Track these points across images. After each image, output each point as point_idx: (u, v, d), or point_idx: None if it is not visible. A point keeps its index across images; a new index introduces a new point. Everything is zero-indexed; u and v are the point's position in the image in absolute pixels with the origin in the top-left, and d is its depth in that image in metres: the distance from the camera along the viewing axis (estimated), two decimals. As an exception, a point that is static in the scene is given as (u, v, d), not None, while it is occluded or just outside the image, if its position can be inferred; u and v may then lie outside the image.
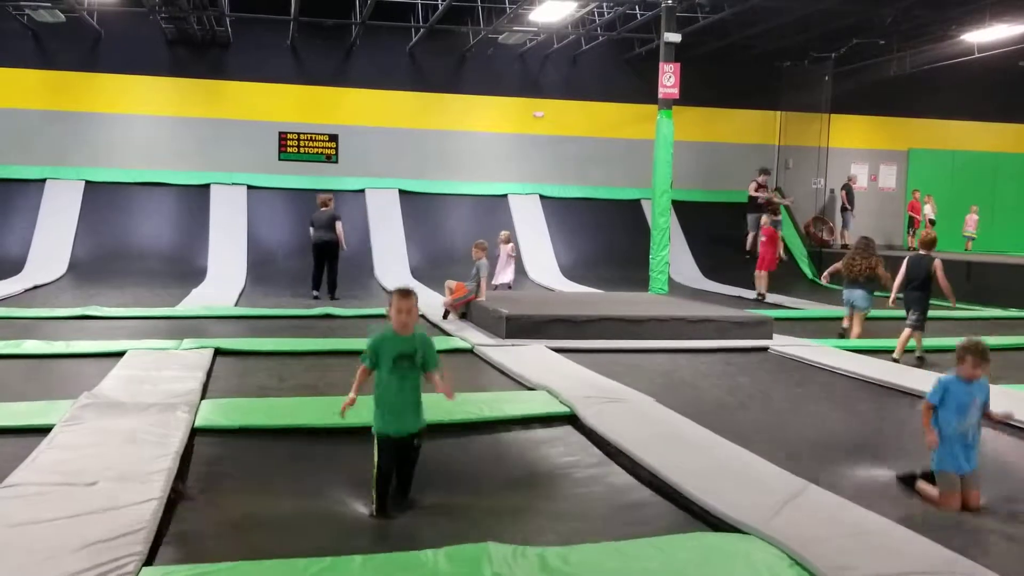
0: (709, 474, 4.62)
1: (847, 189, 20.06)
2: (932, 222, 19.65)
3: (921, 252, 8.97)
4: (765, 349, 9.38)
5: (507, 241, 13.89)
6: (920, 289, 8.80)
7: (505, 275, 13.77)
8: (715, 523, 4.04)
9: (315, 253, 13.26)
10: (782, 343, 9.57)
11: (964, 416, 4.61)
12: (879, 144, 21.76)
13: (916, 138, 21.82)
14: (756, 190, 17.68)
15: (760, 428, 6.06)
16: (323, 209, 13.17)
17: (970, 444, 4.62)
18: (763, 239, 14.83)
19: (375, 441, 4.27)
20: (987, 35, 16.88)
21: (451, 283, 11.23)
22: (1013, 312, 13.50)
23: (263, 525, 4.00)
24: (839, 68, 19.93)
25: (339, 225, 12.93)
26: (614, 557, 3.50)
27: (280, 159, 18.41)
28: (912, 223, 20.18)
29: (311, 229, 13.31)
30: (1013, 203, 20.94)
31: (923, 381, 7.44)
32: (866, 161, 21.70)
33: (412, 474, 4.34)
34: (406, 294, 4.39)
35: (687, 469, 4.68)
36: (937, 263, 8.79)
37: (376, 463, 4.21)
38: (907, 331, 8.85)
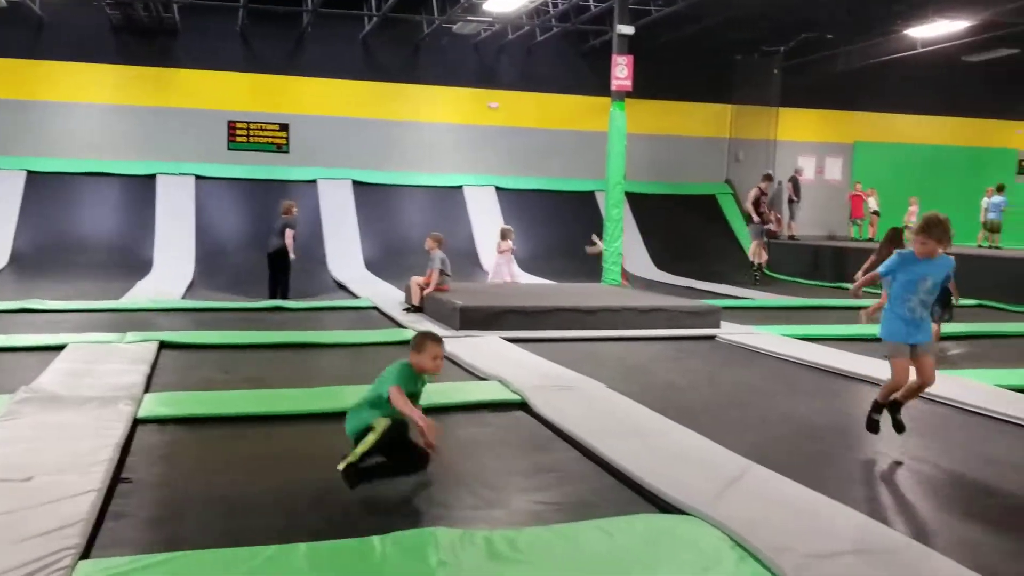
0: (657, 457, 4.68)
1: (794, 181, 20.36)
2: (876, 214, 20.01)
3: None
4: (713, 337, 9.51)
5: (504, 237, 13.81)
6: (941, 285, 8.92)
7: (503, 273, 13.70)
8: (662, 505, 4.09)
9: (268, 261, 12.93)
10: (729, 331, 9.71)
11: (911, 291, 4.85)
12: (826, 137, 22.12)
13: (861, 131, 22.22)
14: (757, 198, 16.62)
15: (707, 411, 6.14)
16: (282, 216, 12.91)
17: (916, 320, 4.85)
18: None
19: (379, 431, 4.25)
20: (930, 30, 17.22)
21: (417, 279, 11.04)
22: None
23: (206, 515, 3.95)
24: (788, 62, 20.20)
25: (288, 233, 12.59)
26: (561, 540, 3.52)
27: (229, 149, 18.14)
28: (853, 214, 20.53)
29: (293, 240, 12.97)
30: (955, 195, 21.40)
31: (863, 365, 7.61)
32: (813, 154, 22.04)
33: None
34: (440, 340, 4.47)
35: (635, 453, 4.73)
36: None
37: (377, 440, 4.20)
38: (937, 324, 8.96)
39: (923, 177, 21.70)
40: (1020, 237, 19.52)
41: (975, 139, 22.77)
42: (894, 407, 5.16)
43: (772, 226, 16.04)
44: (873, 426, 5.25)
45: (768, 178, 17.16)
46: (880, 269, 5.03)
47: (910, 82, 21.01)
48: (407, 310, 10.95)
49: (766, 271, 15.91)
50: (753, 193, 16.29)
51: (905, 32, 17.78)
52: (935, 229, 4.80)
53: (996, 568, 3.45)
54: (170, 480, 4.42)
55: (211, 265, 15.75)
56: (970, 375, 7.39)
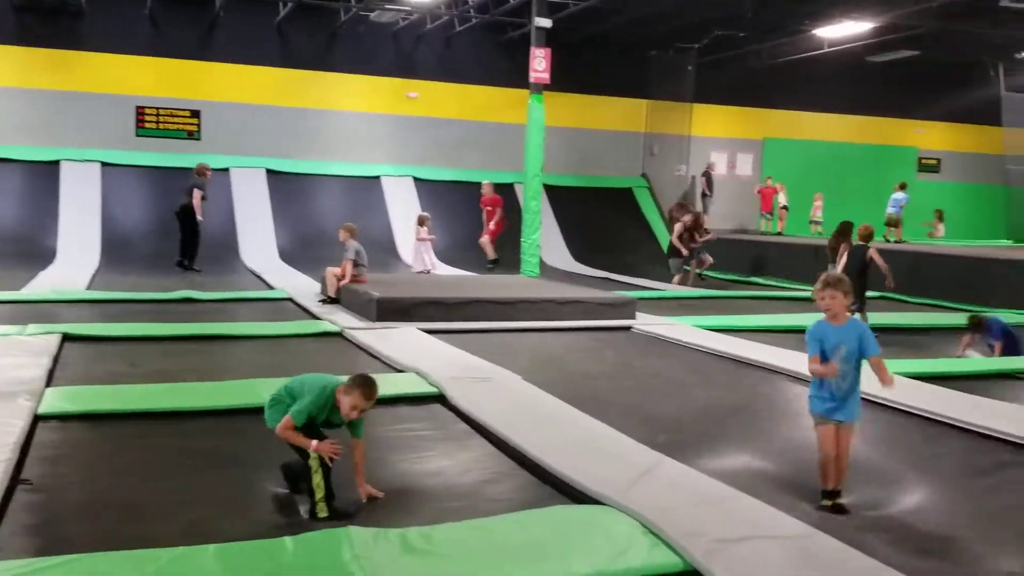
0: (571, 448, 4.73)
1: (707, 176, 20.79)
2: (785, 208, 20.61)
3: (859, 243, 9.48)
4: (629, 328, 9.66)
5: (422, 223, 13.71)
6: (858, 277, 9.16)
7: (423, 260, 13.63)
8: (576, 496, 4.14)
9: (177, 219, 12.94)
10: (644, 322, 9.88)
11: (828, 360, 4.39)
12: (737, 133, 22.65)
13: (771, 128, 22.83)
14: (680, 234, 15.53)
15: (622, 402, 6.24)
16: (193, 176, 12.78)
17: (834, 396, 4.37)
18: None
19: (306, 431, 3.98)
20: (836, 31, 17.79)
21: (333, 270, 10.89)
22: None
23: (111, 517, 3.83)
24: (702, 59, 20.61)
25: (196, 194, 12.49)
26: (476, 534, 3.54)
27: (138, 135, 17.57)
28: (763, 208, 21.08)
29: (200, 202, 13.05)
30: (859, 191, 22.19)
31: (774, 356, 7.84)
32: (725, 149, 22.55)
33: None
34: (373, 395, 4.03)
35: (551, 444, 4.78)
36: (872, 251, 9.27)
37: (316, 455, 3.90)
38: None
39: (829, 173, 22.43)
40: (920, 232, 20.32)
41: (878, 137, 23.63)
42: (834, 494, 4.39)
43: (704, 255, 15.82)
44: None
45: (685, 209, 16.90)
46: (808, 351, 4.48)
47: (818, 81, 21.67)
48: (323, 301, 10.81)
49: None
50: (677, 228, 15.93)
51: (813, 32, 18.32)
52: (838, 284, 4.42)
53: (891, 554, 3.60)
54: (72, 480, 4.27)
55: (118, 255, 15.24)
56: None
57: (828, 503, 4.29)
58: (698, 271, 15.57)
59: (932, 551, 3.70)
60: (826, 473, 4.36)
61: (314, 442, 3.92)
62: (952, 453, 5.23)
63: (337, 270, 10.78)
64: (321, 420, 4.03)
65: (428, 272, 13.73)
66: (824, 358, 4.35)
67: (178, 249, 12.70)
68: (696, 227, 15.45)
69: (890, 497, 4.42)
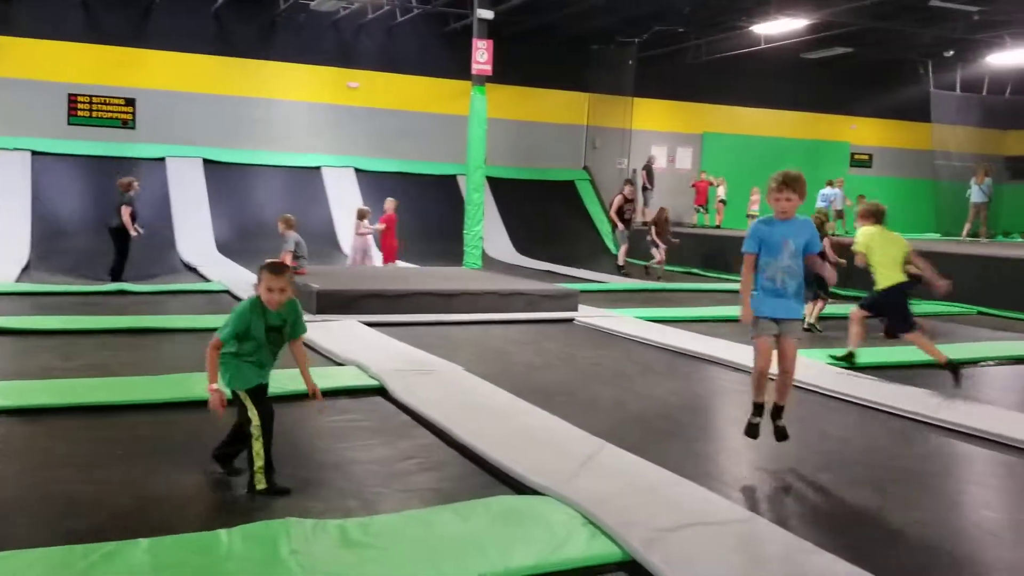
0: (513, 439, 4.77)
1: (647, 169, 21.01)
2: (723, 202, 20.94)
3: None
4: (571, 320, 9.75)
5: (362, 217, 13.54)
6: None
7: (366, 256, 13.45)
8: (517, 487, 4.18)
9: (111, 236, 12.59)
10: (587, 314, 9.97)
11: (773, 256, 4.44)
12: (677, 127, 22.93)
13: (710, 123, 23.15)
14: (620, 206, 15.94)
15: (564, 393, 6.30)
16: (119, 193, 12.50)
17: (780, 291, 4.40)
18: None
19: (247, 399, 3.96)
20: (773, 28, 18.10)
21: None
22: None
23: (42, 513, 3.74)
24: (642, 53, 20.79)
25: (124, 211, 12.22)
26: (415, 525, 3.55)
27: (70, 123, 17.09)
28: (696, 202, 21.36)
29: (131, 217, 12.50)
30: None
31: (713, 346, 7.99)
32: (665, 143, 22.82)
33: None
34: (279, 271, 4.06)
35: (492, 435, 4.81)
36: (826, 242, 9.35)
37: (258, 422, 3.90)
38: (812, 303, 9.31)
39: (765, 168, 22.48)
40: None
41: (813, 132, 24.13)
42: (775, 412, 4.65)
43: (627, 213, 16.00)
44: (752, 431, 4.71)
45: (629, 183, 17.27)
46: (744, 247, 4.54)
47: (755, 77, 22.05)
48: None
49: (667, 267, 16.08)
50: (617, 201, 16.18)
51: (750, 29, 18.62)
52: (796, 183, 4.49)
53: (827, 538, 3.71)
54: (4, 475, 4.17)
55: (49, 247, 14.83)
56: (804, 353, 7.86)
57: (757, 419, 4.61)
58: (648, 263, 15.62)
59: (861, 529, 3.83)
60: (759, 385, 4.63)
61: (213, 385, 3.95)
62: (883, 437, 5.40)
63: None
64: (257, 329, 4.01)
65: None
66: (768, 255, 4.50)
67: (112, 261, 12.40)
68: (631, 204, 15.70)
69: (824, 480, 4.55)
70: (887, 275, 6.74)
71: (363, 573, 3.08)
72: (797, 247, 4.49)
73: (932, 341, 7.07)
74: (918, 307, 11.74)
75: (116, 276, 12.11)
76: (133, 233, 12.21)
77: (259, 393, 4.06)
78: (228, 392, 4.06)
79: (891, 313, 6.99)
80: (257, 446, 3.92)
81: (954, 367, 6.53)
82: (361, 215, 13.57)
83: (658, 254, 15.32)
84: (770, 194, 4.64)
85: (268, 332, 4.06)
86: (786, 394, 4.66)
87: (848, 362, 7.19)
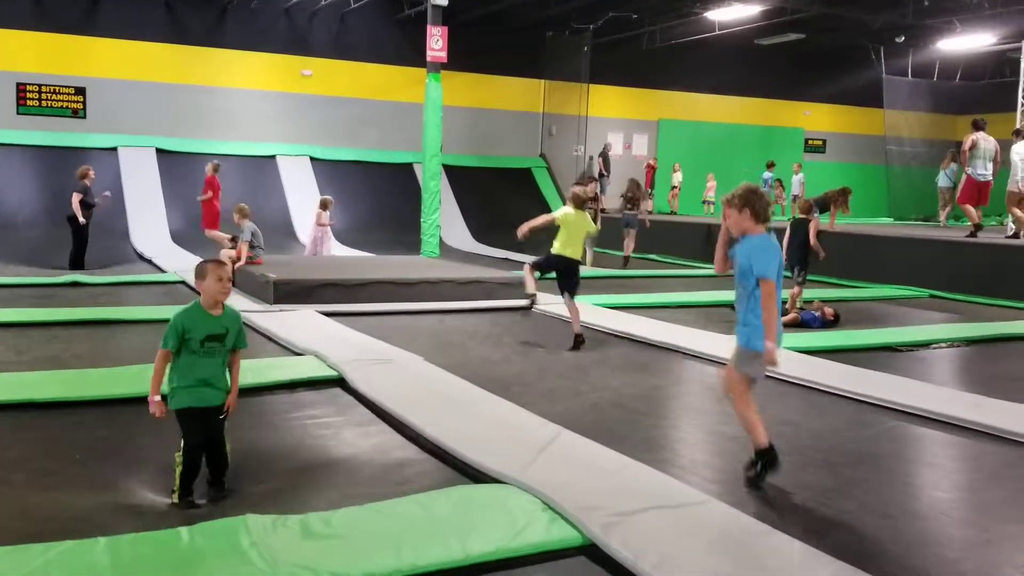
0: (472, 429, 4.79)
1: (604, 156, 21.10)
2: (675, 188, 21.14)
3: (800, 216, 9.71)
4: (529, 308, 9.75)
5: (325, 207, 13.37)
6: (801, 248, 9.44)
7: (324, 247, 13.31)
8: (476, 476, 4.20)
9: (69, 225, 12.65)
10: (544, 302, 9.97)
11: (738, 281, 4.16)
12: (633, 114, 23.05)
13: (665, 109, 23.30)
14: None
15: (521, 382, 6.32)
16: (89, 184, 12.59)
17: (738, 318, 4.18)
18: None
19: (178, 418, 3.90)
20: (727, 14, 18.26)
21: (228, 252, 10.67)
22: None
23: (-3, 509, 3.69)
24: (597, 40, 20.83)
25: (74, 197, 12.25)
26: (376, 517, 3.55)
27: (19, 113, 16.72)
28: (645, 184, 21.49)
29: (80, 204, 12.49)
30: (749, 170, 22.89)
31: (670, 333, 8.07)
32: (621, 130, 22.93)
33: (225, 454, 4.03)
34: (222, 263, 4.07)
35: (451, 425, 4.82)
36: (812, 224, 9.47)
37: (183, 443, 3.85)
38: (796, 288, 9.44)
39: (720, 153, 23.05)
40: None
41: (767, 119, 24.41)
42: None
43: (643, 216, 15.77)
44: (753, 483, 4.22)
45: (592, 179, 17.27)
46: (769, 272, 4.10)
47: (709, 63, 22.22)
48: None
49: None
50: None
51: (704, 15, 18.74)
52: (730, 199, 4.17)
53: (782, 520, 3.79)
54: (-47, 474, 4.10)
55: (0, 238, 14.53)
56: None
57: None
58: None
59: (816, 510, 3.91)
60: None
61: (155, 397, 3.90)
62: (835, 420, 5.51)
63: (232, 252, 10.55)
64: (196, 332, 3.90)
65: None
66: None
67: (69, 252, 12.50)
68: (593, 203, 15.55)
69: (783, 463, 4.63)
70: (570, 247, 7.90)
71: (325, 563, 3.08)
72: (743, 269, 4.11)
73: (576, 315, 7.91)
74: (869, 291, 12.00)
75: (74, 265, 12.17)
76: (82, 220, 12.19)
77: (191, 416, 3.93)
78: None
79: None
80: (177, 469, 3.87)
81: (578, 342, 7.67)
82: (324, 205, 13.43)
83: (629, 243, 15.24)
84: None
85: (206, 341, 3.93)
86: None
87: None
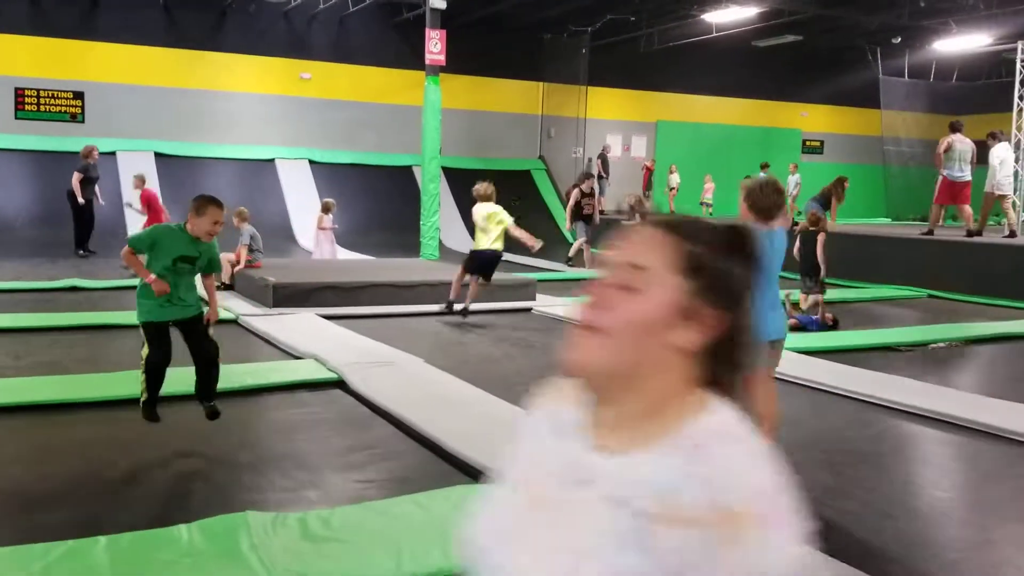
0: (472, 429, 4.79)
1: (602, 158, 21.11)
2: (673, 190, 21.16)
3: (810, 228, 9.73)
4: (529, 309, 9.78)
5: (327, 210, 13.26)
6: (810, 258, 9.47)
7: (328, 251, 13.23)
8: (476, 475, 4.20)
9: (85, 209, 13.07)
10: (544, 303, 10.02)
11: (772, 270, 4.15)
12: (631, 116, 23.05)
13: (664, 111, 23.31)
14: (579, 200, 15.53)
15: (522, 382, 6.32)
16: (93, 162, 12.94)
17: (774, 305, 4.20)
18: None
19: (143, 333, 4.02)
20: (724, 16, 18.27)
21: (227, 255, 10.63)
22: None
23: (-2, 512, 3.70)
24: (595, 42, 20.85)
25: (74, 177, 12.41)
26: (376, 516, 3.56)
27: (17, 118, 16.72)
28: (643, 187, 21.53)
29: (79, 183, 12.94)
30: (747, 172, 22.91)
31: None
32: (620, 132, 22.94)
33: (214, 374, 4.07)
34: (222, 205, 4.20)
35: (451, 425, 4.83)
36: (820, 239, 9.46)
37: (147, 351, 3.97)
38: (807, 296, 9.46)
39: (719, 155, 23.06)
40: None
41: (765, 120, 24.40)
42: None
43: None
44: None
45: (588, 176, 17.22)
46: None
47: (707, 65, 22.22)
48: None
49: None
50: (574, 195, 15.49)
51: (701, 17, 18.76)
52: (743, 188, 4.29)
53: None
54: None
55: (-3, 243, 14.52)
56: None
57: None
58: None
59: (816, 510, 3.90)
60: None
61: (152, 275, 4.00)
62: (835, 419, 5.52)
63: (231, 256, 10.55)
64: (168, 250, 4.00)
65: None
66: None
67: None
68: (589, 198, 15.59)
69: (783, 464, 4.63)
70: (485, 239, 8.95)
71: (324, 566, 3.08)
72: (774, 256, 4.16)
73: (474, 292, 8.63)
74: (868, 291, 12.01)
75: (79, 245, 12.29)
76: (80, 200, 12.24)
77: (157, 330, 3.98)
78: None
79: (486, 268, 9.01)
80: (142, 377, 4.00)
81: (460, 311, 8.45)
82: (326, 208, 13.34)
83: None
84: None
85: (179, 260, 3.99)
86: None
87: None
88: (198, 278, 4.45)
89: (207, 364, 4.03)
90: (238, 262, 10.38)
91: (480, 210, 8.98)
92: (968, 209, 13.06)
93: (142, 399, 3.95)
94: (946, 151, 12.72)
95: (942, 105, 24.34)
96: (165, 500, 3.90)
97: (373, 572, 3.07)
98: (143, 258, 4.11)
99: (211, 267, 4.19)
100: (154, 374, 3.94)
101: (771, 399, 4.07)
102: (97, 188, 13.11)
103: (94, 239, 13.49)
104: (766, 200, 4.11)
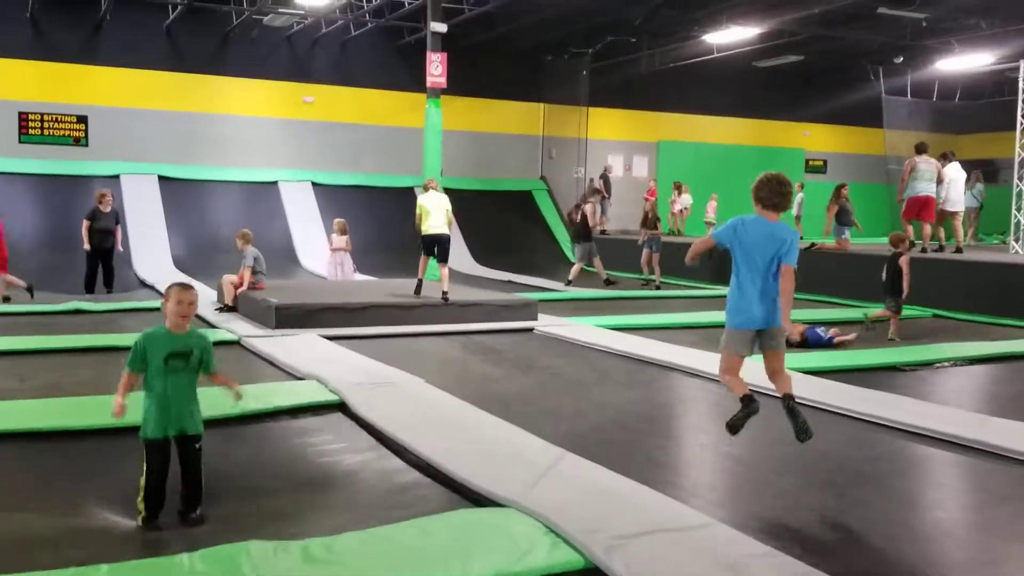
0: (474, 452, 4.77)
1: (604, 178, 21.15)
2: (685, 210, 21.17)
3: (894, 252, 9.86)
4: (531, 329, 9.77)
5: (342, 232, 13.14)
6: (892, 282, 9.67)
7: (340, 274, 13.16)
8: (478, 499, 4.18)
9: (96, 255, 12.91)
10: (546, 323, 10.00)
11: (754, 258, 4.27)
12: (632, 136, 23.13)
13: (665, 131, 23.39)
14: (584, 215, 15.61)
15: (524, 403, 6.31)
16: (104, 209, 12.88)
17: (764, 295, 4.26)
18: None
19: (144, 449, 3.97)
20: (725, 36, 18.35)
21: (230, 278, 10.65)
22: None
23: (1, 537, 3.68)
24: (596, 64, 20.95)
25: (83, 224, 12.67)
26: (378, 542, 3.54)
27: (21, 142, 16.83)
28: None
29: (87, 230, 12.73)
30: (748, 190, 22.90)
31: (673, 353, 8.06)
32: (621, 152, 23.00)
33: (199, 483, 4.02)
34: (187, 287, 4.17)
35: (453, 449, 4.81)
36: (904, 260, 9.62)
37: (145, 470, 3.89)
38: (887, 313, 9.77)
39: (721, 175, 23.09)
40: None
41: (767, 139, 24.48)
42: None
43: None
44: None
45: (597, 191, 17.31)
46: (717, 235, 4.60)
47: (708, 85, 22.32)
48: (220, 310, 10.59)
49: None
50: (588, 210, 15.68)
51: (702, 38, 18.85)
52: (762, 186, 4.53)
53: (785, 542, 3.76)
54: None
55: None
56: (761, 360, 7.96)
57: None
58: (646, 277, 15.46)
59: (819, 532, 3.88)
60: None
61: (120, 400, 3.99)
62: (839, 440, 5.48)
63: (234, 278, 10.58)
64: (156, 355, 3.98)
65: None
66: (743, 254, 4.39)
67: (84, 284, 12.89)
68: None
69: (782, 484, 4.61)
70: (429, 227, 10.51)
71: (325, 591, 3.06)
72: (776, 252, 4.40)
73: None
74: (871, 311, 12.00)
75: (87, 290, 12.60)
76: (86, 247, 12.47)
77: (156, 446, 3.94)
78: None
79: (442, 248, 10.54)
80: (140, 493, 3.92)
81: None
82: (341, 229, 13.22)
83: (654, 267, 15.11)
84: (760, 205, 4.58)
85: (169, 359, 3.97)
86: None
87: None
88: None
89: (192, 477, 4.01)
90: (241, 283, 10.39)
91: (426, 199, 10.67)
92: (927, 228, 13.54)
93: (142, 517, 3.89)
94: (911, 171, 13.11)
95: (945, 124, 24.40)
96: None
97: (374, 597, 3.04)
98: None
99: (207, 367, 4.10)
100: (155, 493, 3.89)
101: (781, 368, 4.54)
102: (118, 234, 13.10)
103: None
104: (763, 190, 4.45)
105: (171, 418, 3.93)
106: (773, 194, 4.39)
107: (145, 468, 3.91)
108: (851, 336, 9.26)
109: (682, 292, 14.32)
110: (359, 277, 14.22)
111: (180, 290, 4.12)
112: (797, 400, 4.51)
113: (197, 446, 4.02)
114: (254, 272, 10.48)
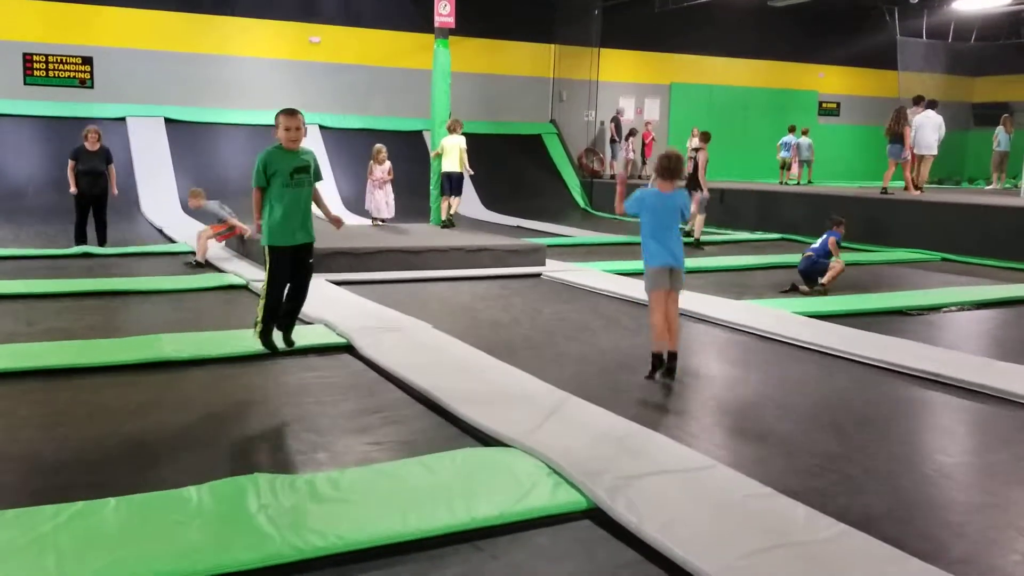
0: (480, 393, 4.81)
1: (615, 121, 20.94)
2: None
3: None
4: (539, 275, 9.77)
5: (381, 161, 12.67)
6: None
7: (382, 206, 12.81)
8: (484, 439, 4.23)
9: (84, 200, 11.24)
10: (554, 268, 10.00)
11: (662, 218, 5.44)
12: (644, 78, 22.81)
13: (677, 73, 23.06)
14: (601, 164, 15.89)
15: (530, 348, 6.34)
16: (91, 147, 11.19)
17: (673, 242, 5.43)
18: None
19: (267, 254, 4.80)
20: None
21: (205, 229, 10.33)
22: (759, 235, 14.80)
23: (7, 474, 3.73)
24: (607, 3, 20.59)
25: (112, 168, 11.34)
26: (384, 478, 3.58)
27: (26, 83, 16.71)
28: (647, 152, 21.34)
29: (72, 171, 11.11)
30: (762, 134, 22.68)
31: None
32: (632, 94, 22.71)
33: (304, 297, 4.95)
34: (291, 113, 4.92)
35: (458, 390, 4.85)
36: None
37: (268, 275, 4.73)
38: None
39: (734, 117, 22.85)
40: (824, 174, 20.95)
41: (781, 81, 24.12)
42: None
43: (595, 165, 15.54)
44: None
45: (594, 153, 17.03)
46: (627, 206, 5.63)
47: (721, 26, 21.93)
48: (191, 264, 10.00)
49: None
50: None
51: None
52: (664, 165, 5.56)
53: (788, 484, 3.80)
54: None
55: (8, 209, 14.58)
56: (766, 303, 7.97)
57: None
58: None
59: (822, 474, 3.92)
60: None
61: (257, 222, 5.00)
62: (843, 383, 5.50)
63: (208, 230, 10.24)
64: (283, 166, 4.88)
65: (383, 222, 13.01)
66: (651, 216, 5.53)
67: (74, 235, 11.33)
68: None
69: (785, 427, 4.64)
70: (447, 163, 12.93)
71: (332, 527, 3.11)
72: (675, 208, 5.53)
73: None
74: (881, 255, 11.92)
75: (77, 241, 11.31)
76: (72, 190, 11.07)
77: (282, 254, 4.86)
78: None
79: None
80: (260, 301, 4.88)
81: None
82: (376, 156, 12.70)
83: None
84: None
85: (295, 173, 4.81)
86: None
87: None
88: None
89: (299, 298, 4.99)
90: (215, 233, 10.16)
91: (445, 141, 12.69)
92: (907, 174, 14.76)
93: (259, 328, 4.77)
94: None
95: (961, 66, 23.99)
96: (175, 462, 3.93)
97: (380, 532, 3.10)
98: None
99: (318, 175, 5.10)
100: (275, 295, 4.82)
101: (674, 312, 5.48)
102: (112, 173, 11.34)
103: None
104: (659, 164, 5.54)
105: (296, 227, 4.59)
106: (663, 169, 5.49)
107: (267, 278, 4.82)
108: (837, 269, 8.99)
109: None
110: (352, 221, 13.98)
111: (286, 117, 4.96)
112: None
113: (310, 260, 5.04)
114: (220, 221, 10.20)
